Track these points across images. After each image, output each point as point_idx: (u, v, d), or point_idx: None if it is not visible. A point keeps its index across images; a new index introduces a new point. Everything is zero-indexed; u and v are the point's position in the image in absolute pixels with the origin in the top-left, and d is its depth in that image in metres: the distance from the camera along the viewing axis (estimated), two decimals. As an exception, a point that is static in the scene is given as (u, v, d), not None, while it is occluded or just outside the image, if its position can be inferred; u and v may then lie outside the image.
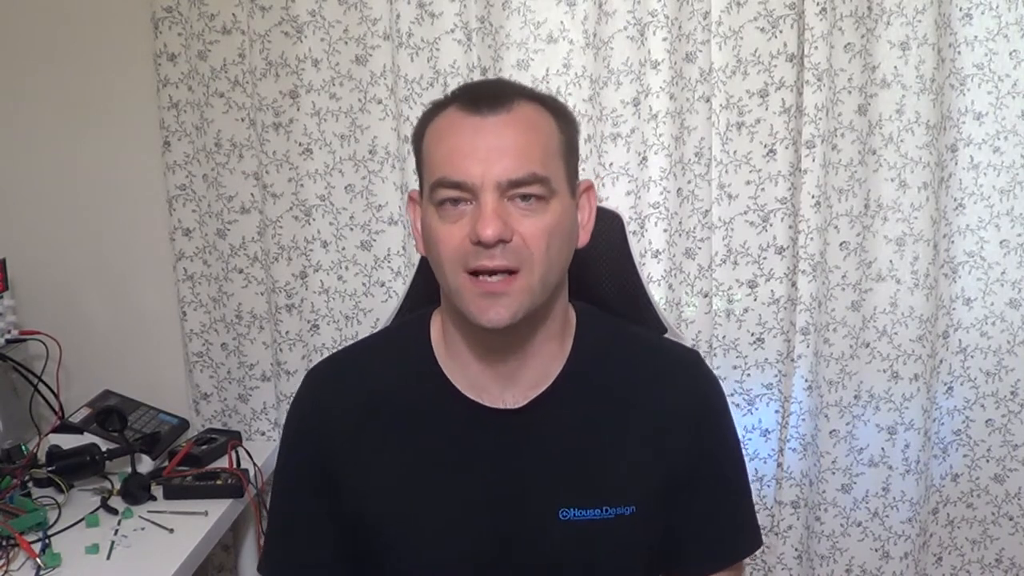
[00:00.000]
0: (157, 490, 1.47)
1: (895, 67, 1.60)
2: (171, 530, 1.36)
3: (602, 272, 1.18)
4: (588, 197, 1.02)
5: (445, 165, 0.93)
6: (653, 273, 1.62)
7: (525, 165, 0.92)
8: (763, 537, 1.13)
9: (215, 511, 1.42)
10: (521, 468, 1.01)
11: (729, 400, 1.72)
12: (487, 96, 0.95)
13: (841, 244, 1.66)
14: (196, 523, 1.38)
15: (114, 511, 1.41)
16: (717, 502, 1.06)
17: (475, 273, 0.92)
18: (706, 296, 1.66)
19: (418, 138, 1.00)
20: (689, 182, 1.63)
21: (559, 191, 0.95)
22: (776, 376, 1.71)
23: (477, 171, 0.91)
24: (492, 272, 0.91)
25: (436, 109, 0.98)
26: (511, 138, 0.92)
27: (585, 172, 1.62)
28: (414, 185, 1.59)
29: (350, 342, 1.66)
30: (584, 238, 1.02)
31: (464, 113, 0.94)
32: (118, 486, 1.46)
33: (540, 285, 0.94)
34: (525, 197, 0.92)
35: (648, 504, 1.01)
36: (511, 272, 0.92)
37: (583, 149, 1.62)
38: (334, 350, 1.67)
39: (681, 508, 1.04)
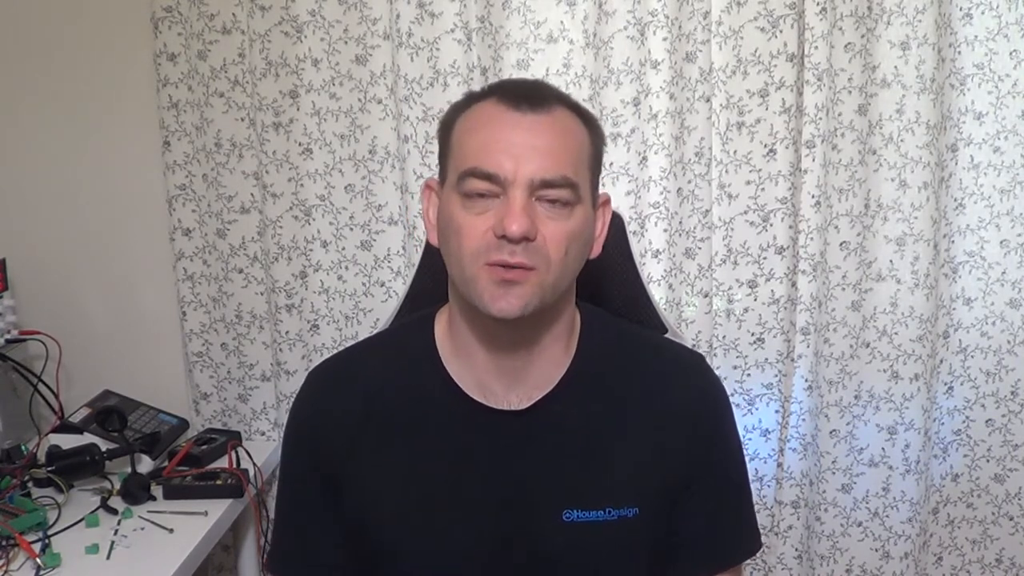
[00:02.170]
0: (157, 490, 1.47)
1: (895, 67, 1.60)
2: (171, 530, 1.36)
3: (602, 272, 1.18)
4: (604, 211, 1.03)
5: (478, 156, 0.92)
6: (653, 273, 1.62)
7: (558, 167, 0.92)
8: (763, 537, 1.13)
9: (215, 511, 1.42)
10: (525, 469, 1.01)
11: (729, 400, 1.73)
12: (528, 95, 0.95)
13: (841, 244, 1.66)
14: (196, 523, 1.38)
15: (114, 511, 1.41)
16: (718, 505, 1.06)
17: (493, 265, 0.92)
18: (706, 296, 1.66)
19: (447, 127, 0.99)
20: (689, 182, 1.63)
21: (584, 199, 0.95)
22: (776, 376, 1.71)
23: (510, 166, 0.91)
24: (510, 268, 0.91)
25: (471, 100, 0.98)
26: (547, 139, 0.92)
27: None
28: (414, 185, 1.61)
29: (350, 342, 1.67)
30: (596, 249, 1.02)
31: (503, 107, 0.94)
32: (118, 486, 1.46)
33: (552, 287, 0.94)
34: (553, 200, 0.92)
35: (651, 506, 1.01)
36: (527, 269, 0.92)
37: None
38: (334, 350, 1.68)
39: (683, 510, 1.04)
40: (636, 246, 1.35)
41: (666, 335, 1.20)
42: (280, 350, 1.71)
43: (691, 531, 1.05)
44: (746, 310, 1.69)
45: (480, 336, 1.00)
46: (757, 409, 1.73)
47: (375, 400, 1.03)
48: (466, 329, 1.01)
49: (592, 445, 1.01)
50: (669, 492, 1.02)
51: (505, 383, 1.01)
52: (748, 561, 1.15)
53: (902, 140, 1.63)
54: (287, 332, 1.71)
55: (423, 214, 1.03)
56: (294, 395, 1.10)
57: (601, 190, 1.03)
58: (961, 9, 1.59)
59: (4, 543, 1.26)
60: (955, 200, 1.66)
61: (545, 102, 0.94)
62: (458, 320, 1.01)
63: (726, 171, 1.65)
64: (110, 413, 1.51)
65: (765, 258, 1.66)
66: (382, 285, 1.70)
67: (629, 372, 1.04)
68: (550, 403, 1.01)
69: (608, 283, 1.19)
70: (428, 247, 1.16)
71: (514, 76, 1.61)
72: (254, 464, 1.56)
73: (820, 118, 1.59)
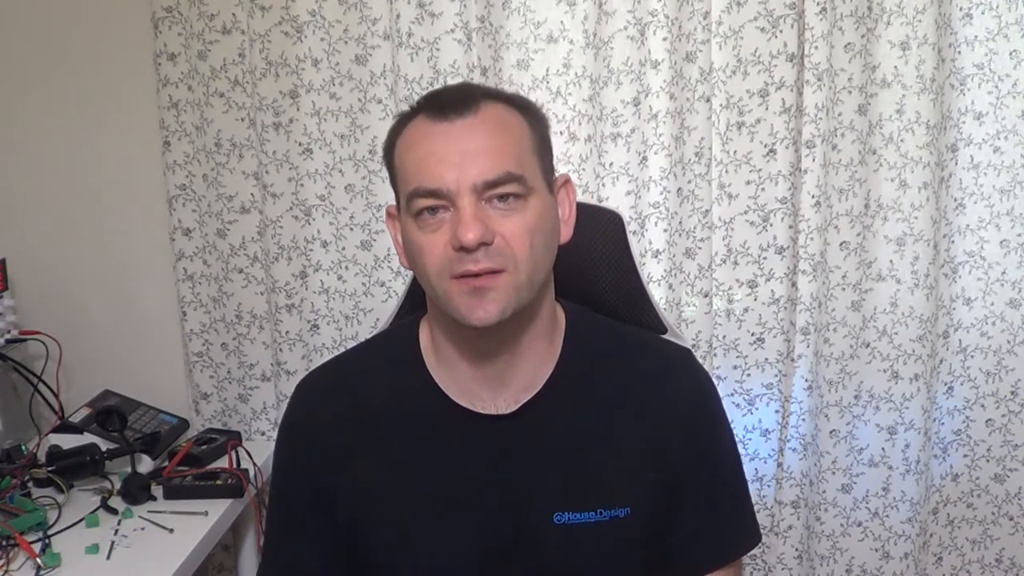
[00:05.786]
0: (157, 490, 1.47)
1: (895, 67, 1.60)
2: (171, 530, 1.36)
3: (602, 272, 1.18)
4: (567, 192, 1.02)
5: (418, 174, 0.93)
6: (653, 273, 1.63)
7: (499, 165, 0.91)
8: (763, 537, 1.13)
9: (215, 511, 1.42)
10: (515, 473, 1.00)
11: (729, 400, 1.73)
12: (452, 101, 0.94)
13: (841, 244, 1.66)
14: (196, 523, 1.38)
15: (114, 511, 1.41)
16: (713, 499, 1.06)
17: (461, 278, 0.92)
18: (706, 296, 1.66)
19: (389, 152, 1.00)
20: (689, 182, 1.63)
21: (536, 188, 0.94)
22: (776, 376, 1.71)
23: (451, 176, 0.90)
24: (477, 275, 0.91)
25: (403, 121, 0.98)
26: (482, 140, 0.92)
27: (585, 172, 1.63)
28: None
29: (350, 342, 1.68)
30: (567, 233, 1.01)
31: (432, 120, 0.94)
32: (118, 486, 1.45)
33: (527, 283, 0.94)
34: (502, 197, 0.92)
35: (643, 505, 1.01)
36: (495, 272, 0.91)
37: (583, 149, 1.63)
38: (334, 350, 1.69)
39: (677, 507, 1.04)
40: (636, 246, 1.35)
41: (666, 335, 1.20)
42: (280, 350, 1.71)
43: (688, 528, 1.04)
44: (746, 310, 1.69)
45: (461, 346, 1.00)
46: (757, 409, 1.73)
47: (364, 408, 1.03)
48: (446, 341, 1.01)
49: (581, 446, 1.01)
50: (662, 490, 1.02)
51: (491, 388, 1.01)
52: (748, 560, 1.15)
53: (902, 140, 1.63)
54: (287, 332, 1.71)
55: (393, 240, 1.03)
56: (285, 406, 1.10)
57: (569, 175, 1.03)
58: (961, 9, 1.59)
59: (4, 543, 1.26)
60: (955, 200, 1.66)
61: (471, 104, 0.94)
62: (439, 334, 1.02)
63: (726, 171, 1.65)
64: (110, 413, 1.51)
65: (765, 258, 1.66)
66: (382, 285, 1.70)
67: (616, 370, 1.04)
68: (537, 405, 1.01)
69: (608, 283, 1.19)
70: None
71: (513, 76, 1.61)
72: (254, 464, 1.55)
73: (820, 118, 1.59)
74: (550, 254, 0.98)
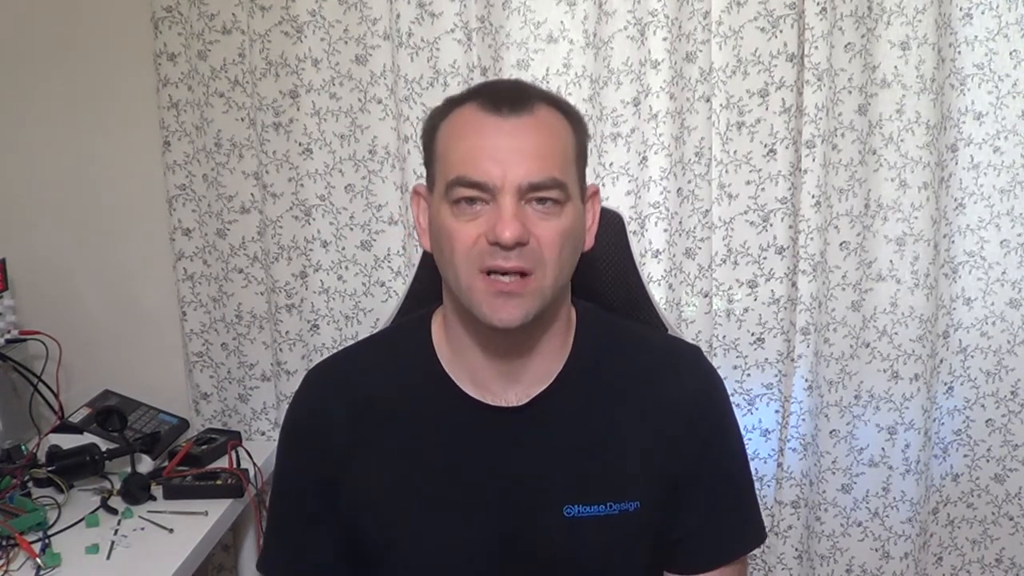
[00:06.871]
0: (157, 490, 1.47)
1: (895, 67, 1.60)
2: (171, 530, 1.36)
3: (602, 272, 1.19)
4: (594, 202, 1.03)
5: (464, 164, 0.92)
6: (653, 273, 1.63)
7: (546, 169, 0.92)
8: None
9: (215, 511, 1.42)
10: (525, 466, 1.01)
11: (727, 391, 1.72)
12: (508, 97, 0.94)
13: (841, 244, 1.66)
14: (196, 523, 1.38)
15: (114, 511, 1.41)
16: (720, 497, 1.06)
17: (488, 273, 0.92)
18: (706, 296, 1.66)
19: (430, 133, 0.99)
20: (689, 182, 1.63)
21: (573, 196, 0.95)
22: (776, 376, 1.71)
23: (497, 172, 0.91)
24: (505, 273, 0.91)
25: (452, 105, 0.98)
26: (532, 141, 0.92)
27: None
28: (414, 184, 1.61)
29: (350, 342, 1.67)
30: (589, 241, 1.02)
31: (484, 112, 0.94)
32: (118, 486, 1.45)
33: (552, 288, 0.94)
34: (542, 200, 0.92)
35: (652, 500, 1.01)
36: (524, 274, 0.92)
37: (583, 149, 1.63)
38: (334, 350, 1.68)
39: (684, 503, 1.04)
40: (636, 246, 1.35)
41: (666, 335, 1.20)
42: (280, 350, 1.71)
43: (693, 524, 1.05)
44: (746, 310, 1.69)
45: (478, 341, 1.00)
46: (757, 409, 1.74)
47: (372, 400, 1.03)
48: (463, 333, 1.01)
49: (591, 440, 1.01)
50: (670, 485, 1.03)
51: (503, 383, 1.01)
52: (748, 560, 1.15)
53: (902, 140, 1.63)
54: (287, 332, 1.71)
55: (414, 220, 1.03)
56: (291, 397, 1.10)
57: (598, 187, 1.04)
58: (961, 9, 1.59)
59: (4, 543, 1.26)
60: (955, 200, 1.66)
61: (527, 103, 0.94)
62: (454, 324, 1.02)
63: (726, 171, 1.65)
64: (110, 413, 1.51)
65: (765, 258, 1.67)
66: (382, 285, 1.70)
67: (626, 366, 1.04)
68: (548, 399, 1.01)
69: (608, 283, 1.19)
70: (428, 247, 1.16)
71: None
72: (254, 464, 1.55)
73: (820, 118, 1.59)
74: (574, 261, 0.99)
